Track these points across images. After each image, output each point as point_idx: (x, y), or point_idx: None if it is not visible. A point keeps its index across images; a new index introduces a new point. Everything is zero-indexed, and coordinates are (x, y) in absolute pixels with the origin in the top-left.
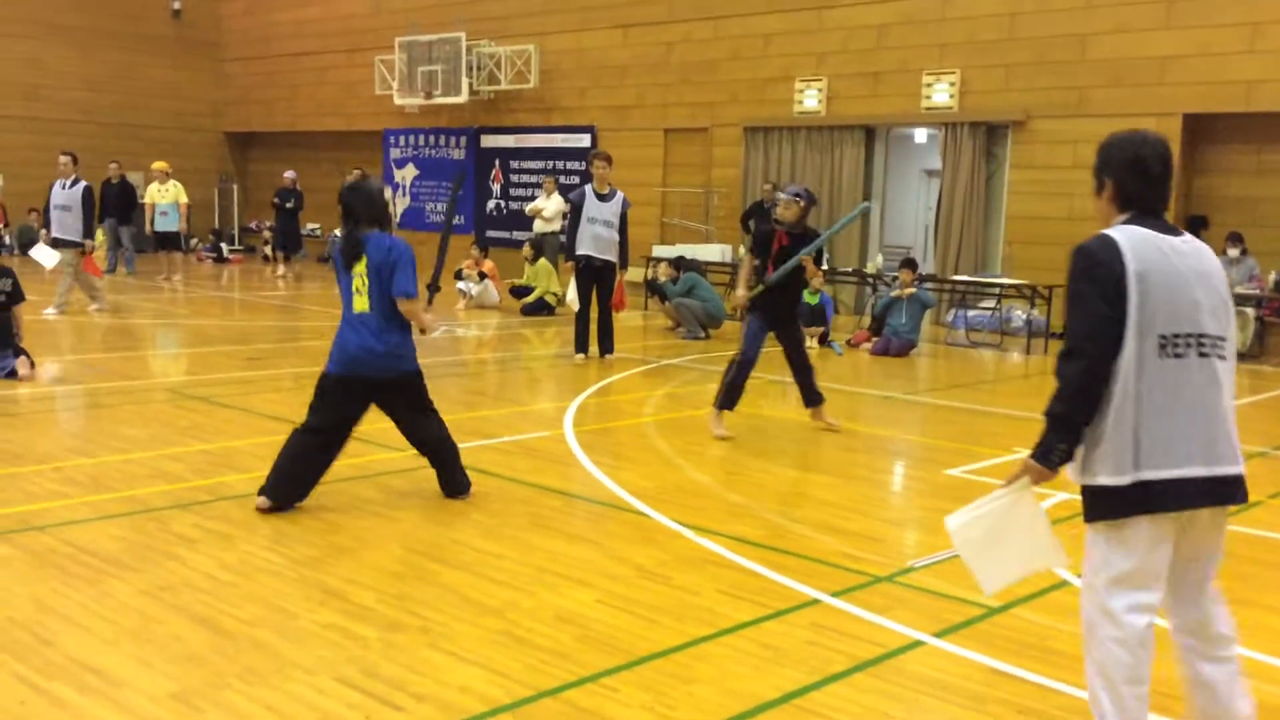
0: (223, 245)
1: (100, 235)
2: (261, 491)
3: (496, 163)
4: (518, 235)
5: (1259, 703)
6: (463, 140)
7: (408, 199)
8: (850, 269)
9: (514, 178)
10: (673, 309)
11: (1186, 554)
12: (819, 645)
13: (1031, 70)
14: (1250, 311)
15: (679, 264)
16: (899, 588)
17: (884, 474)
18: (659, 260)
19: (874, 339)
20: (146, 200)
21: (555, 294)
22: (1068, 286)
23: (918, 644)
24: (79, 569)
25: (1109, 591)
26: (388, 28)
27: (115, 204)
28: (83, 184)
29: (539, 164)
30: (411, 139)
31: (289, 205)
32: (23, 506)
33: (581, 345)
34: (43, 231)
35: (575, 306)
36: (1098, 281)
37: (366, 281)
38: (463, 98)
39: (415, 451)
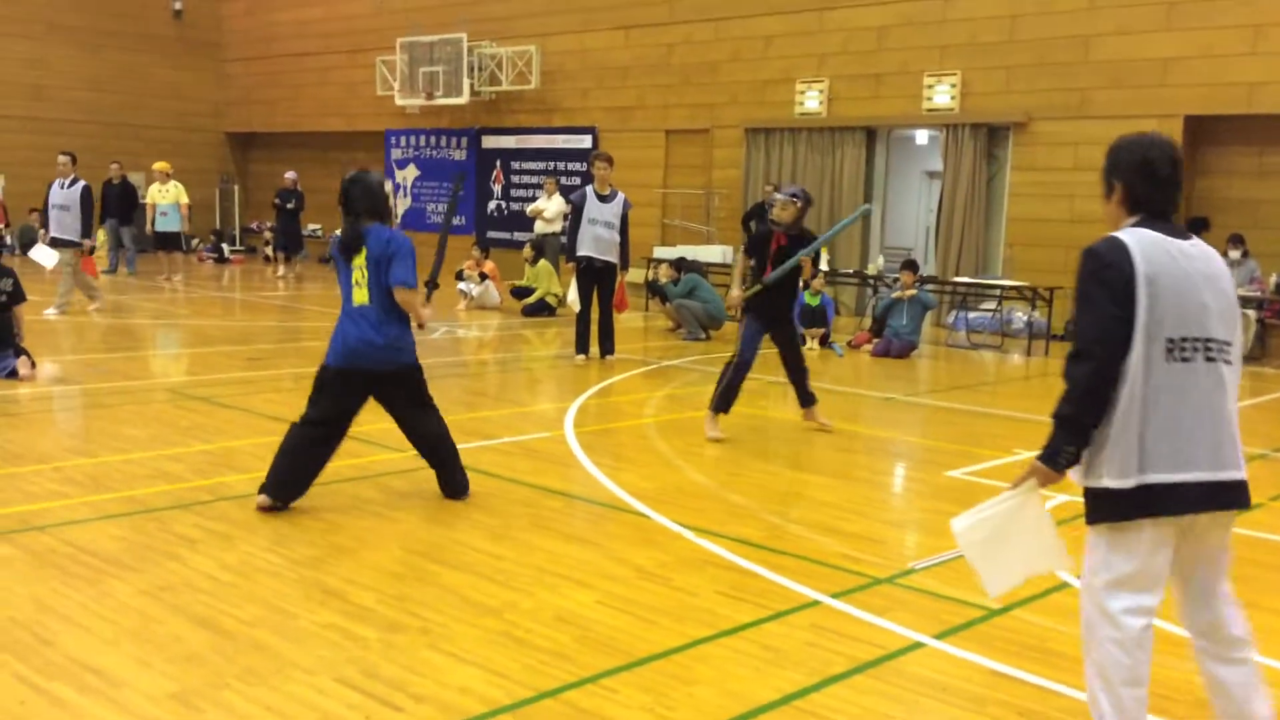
0: (224, 246)
1: (101, 235)
2: (261, 489)
3: (498, 164)
4: (519, 236)
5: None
6: (464, 141)
7: (409, 199)
8: (851, 270)
9: (515, 179)
10: (673, 310)
11: (1190, 557)
12: (819, 647)
13: (1033, 72)
14: (1251, 314)
15: (680, 265)
16: (899, 589)
17: (884, 475)
18: (660, 261)
19: (875, 340)
20: (147, 201)
21: (556, 295)
22: (1077, 288)
23: (918, 645)
24: (79, 569)
25: (1108, 593)
26: (389, 28)
27: (117, 204)
28: (81, 184)
29: (540, 165)
30: (413, 140)
31: (289, 206)
32: (23, 506)
33: (582, 346)
34: (41, 232)
35: (576, 308)
36: (1107, 284)
37: (366, 274)
38: (464, 98)
39: (415, 452)
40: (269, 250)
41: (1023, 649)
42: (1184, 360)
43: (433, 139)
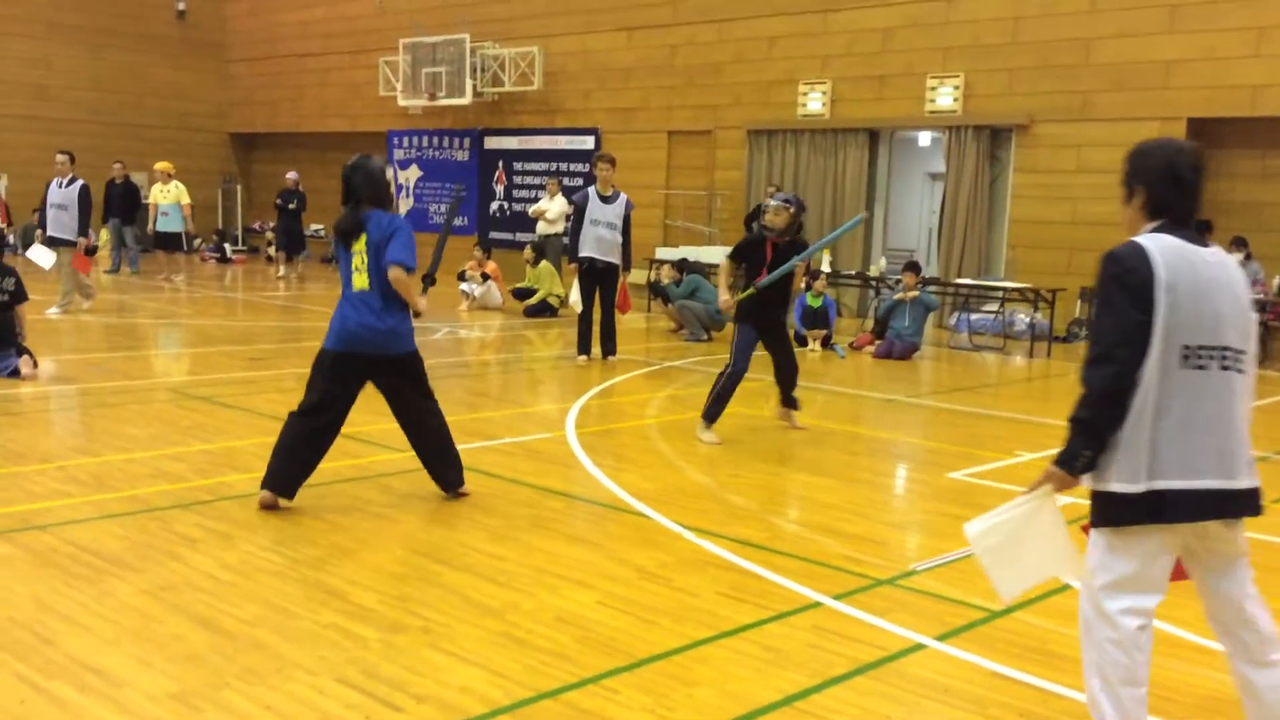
0: (226, 246)
1: (105, 235)
2: (262, 484)
3: (500, 164)
4: (521, 237)
5: None
6: (466, 142)
7: (411, 200)
8: (853, 272)
9: (517, 180)
10: (675, 311)
11: (1208, 564)
12: (820, 648)
13: (1035, 74)
14: (1254, 317)
15: (682, 266)
16: (900, 591)
17: (886, 477)
18: (662, 262)
19: (877, 342)
20: (149, 200)
21: (558, 296)
22: (1097, 292)
23: (919, 647)
24: (80, 568)
25: (1106, 594)
26: (392, 29)
27: (119, 204)
28: (80, 183)
29: (542, 166)
30: (415, 140)
31: (291, 206)
32: (24, 505)
33: (584, 347)
34: (38, 231)
35: (578, 308)
36: (1129, 288)
37: (366, 259)
38: (467, 99)
39: (416, 453)
40: (271, 250)
41: (1024, 651)
42: (1199, 368)
43: (435, 140)
